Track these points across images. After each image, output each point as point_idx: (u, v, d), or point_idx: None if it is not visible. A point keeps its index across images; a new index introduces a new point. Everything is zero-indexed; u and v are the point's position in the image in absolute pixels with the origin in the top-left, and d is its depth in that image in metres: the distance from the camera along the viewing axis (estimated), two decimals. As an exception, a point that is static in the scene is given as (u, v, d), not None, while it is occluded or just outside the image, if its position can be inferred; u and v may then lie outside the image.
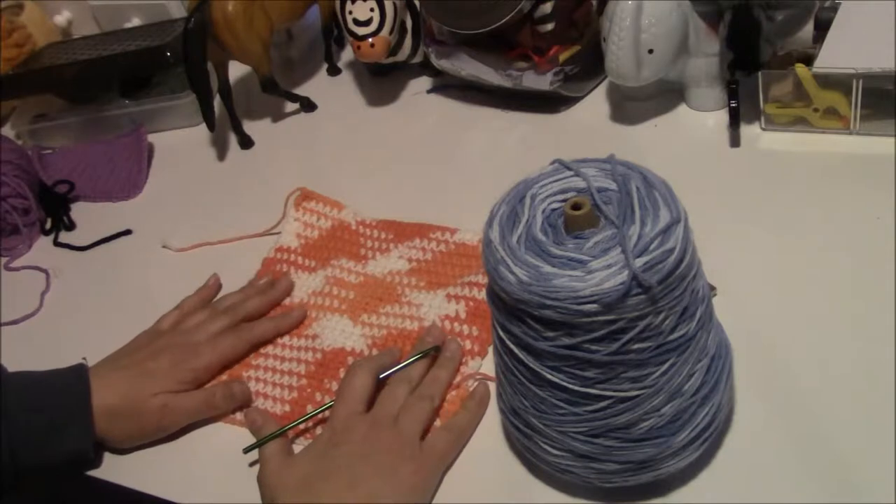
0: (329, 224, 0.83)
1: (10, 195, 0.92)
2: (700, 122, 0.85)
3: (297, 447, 0.62)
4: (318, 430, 0.64)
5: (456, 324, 0.69)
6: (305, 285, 0.77)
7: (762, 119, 0.80)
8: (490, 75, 0.90)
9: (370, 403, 0.61)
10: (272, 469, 0.58)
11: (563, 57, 0.87)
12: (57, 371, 0.67)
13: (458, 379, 0.65)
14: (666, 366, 0.49)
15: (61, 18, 1.23)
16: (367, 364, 0.63)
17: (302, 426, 0.65)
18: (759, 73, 0.76)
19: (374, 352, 0.69)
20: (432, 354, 0.65)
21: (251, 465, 0.63)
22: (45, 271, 0.89)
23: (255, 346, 0.72)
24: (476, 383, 0.65)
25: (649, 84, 0.82)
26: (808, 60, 0.75)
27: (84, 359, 0.69)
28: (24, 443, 0.62)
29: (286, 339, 0.73)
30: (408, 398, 0.61)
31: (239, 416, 0.68)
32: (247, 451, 0.62)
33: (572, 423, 0.51)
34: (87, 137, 1.07)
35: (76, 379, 0.65)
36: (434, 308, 0.71)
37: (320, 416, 0.64)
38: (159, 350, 0.69)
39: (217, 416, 0.68)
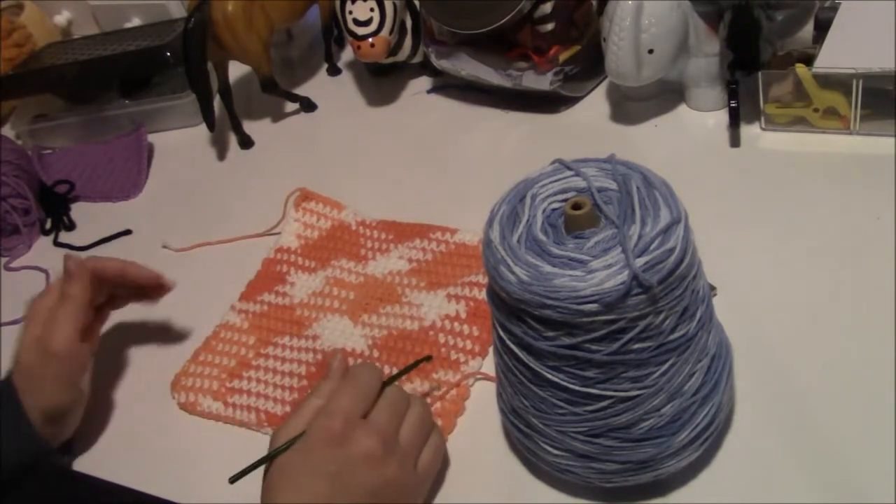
0: (329, 224, 0.83)
1: (10, 195, 0.92)
2: (700, 122, 0.85)
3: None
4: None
5: (456, 324, 0.69)
6: (305, 286, 0.77)
7: (762, 119, 0.80)
8: (490, 75, 0.90)
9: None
10: (286, 486, 0.54)
11: (563, 57, 0.87)
12: None
13: (458, 378, 0.65)
14: (666, 366, 0.49)
15: (61, 18, 1.23)
16: (376, 368, 0.60)
17: None
18: (759, 73, 0.76)
19: (375, 352, 0.69)
20: (425, 363, 0.65)
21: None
22: (45, 271, 0.89)
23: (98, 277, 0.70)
24: (474, 381, 0.65)
25: (649, 84, 0.82)
26: (808, 60, 0.75)
27: None
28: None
29: (286, 339, 0.73)
30: (429, 435, 0.58)
31: (237, 415, 0.68)
32: (233, 480, 0.56)
33: (572, 422, 0.51)
34: (87, 137, 1.07)
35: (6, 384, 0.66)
36: (434, 308, 0.71)
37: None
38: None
39: (219, 417, 0.68)
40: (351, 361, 0.69)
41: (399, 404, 0.57)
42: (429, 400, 0.64)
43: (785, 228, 0.71)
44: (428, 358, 0.65)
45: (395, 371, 0.64)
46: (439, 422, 0.62)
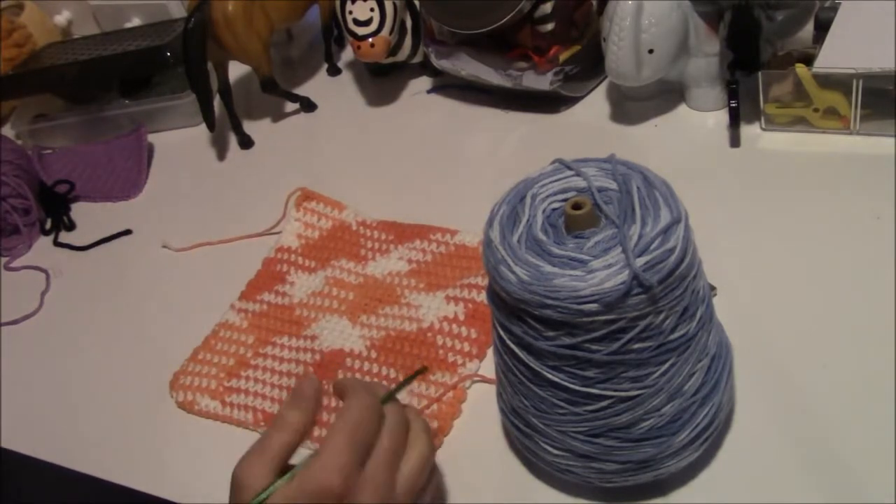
0: (330, 224, 0.83)
1: (10, 195, 0.92)
2: (700, 122, 0.85)
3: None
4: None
5: (454, 325, 0.69)
6: (305, 285, 0.77)
7: (762, 119, 0.80)
8: (490, 75, 0.90)
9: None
10: None
11: (563, 57, 0.87)
12: None
13: (455, 380, 0.65)
14: (666, 366, 0.49)
15: (61, 18, 1.23)
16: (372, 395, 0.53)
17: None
18: (759, 73, 0.76)
19: (373, 353, 0.69)
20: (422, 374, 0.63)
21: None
22: (45, 271, 0.89)
23: None
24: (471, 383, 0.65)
25: (649, 84, 0.82)
26: (808, 60, 0.75)
27: None
28: None
29: (285, 339, 0.73)
30: (430, 479, 0.55)
31: (234, 415, 0.68)
32: None
33: (572, 422, 0.51)
34: (87, 137, 1.07)
35: None
36: (433, 310, 0.71)
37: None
38: None
39: (217, 417, 0.68)
40: (349, 362, 0.69)
41: (399, 450, 0.52)
42: (422, 402, 0.64)
43: (785, 228, 0.71)
44: (423, 370, 0.62)
45: (391, 372, 0.65)
46: (435, 424, 0.62)
